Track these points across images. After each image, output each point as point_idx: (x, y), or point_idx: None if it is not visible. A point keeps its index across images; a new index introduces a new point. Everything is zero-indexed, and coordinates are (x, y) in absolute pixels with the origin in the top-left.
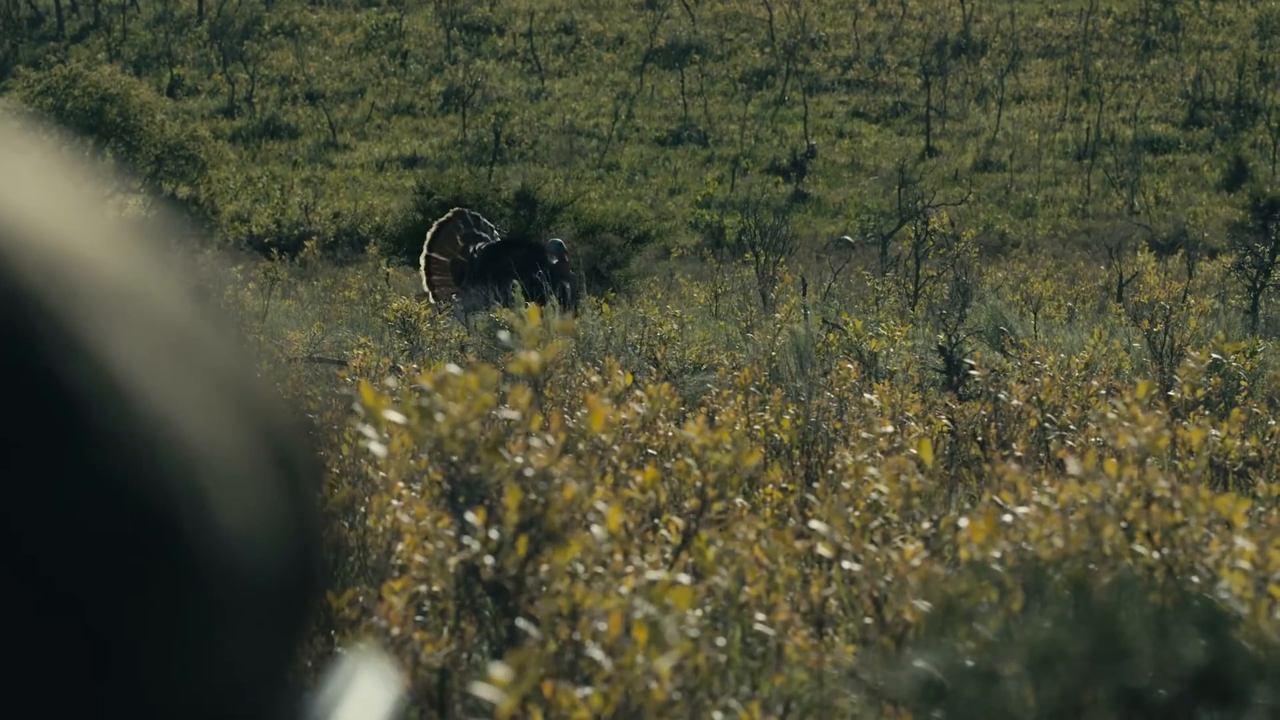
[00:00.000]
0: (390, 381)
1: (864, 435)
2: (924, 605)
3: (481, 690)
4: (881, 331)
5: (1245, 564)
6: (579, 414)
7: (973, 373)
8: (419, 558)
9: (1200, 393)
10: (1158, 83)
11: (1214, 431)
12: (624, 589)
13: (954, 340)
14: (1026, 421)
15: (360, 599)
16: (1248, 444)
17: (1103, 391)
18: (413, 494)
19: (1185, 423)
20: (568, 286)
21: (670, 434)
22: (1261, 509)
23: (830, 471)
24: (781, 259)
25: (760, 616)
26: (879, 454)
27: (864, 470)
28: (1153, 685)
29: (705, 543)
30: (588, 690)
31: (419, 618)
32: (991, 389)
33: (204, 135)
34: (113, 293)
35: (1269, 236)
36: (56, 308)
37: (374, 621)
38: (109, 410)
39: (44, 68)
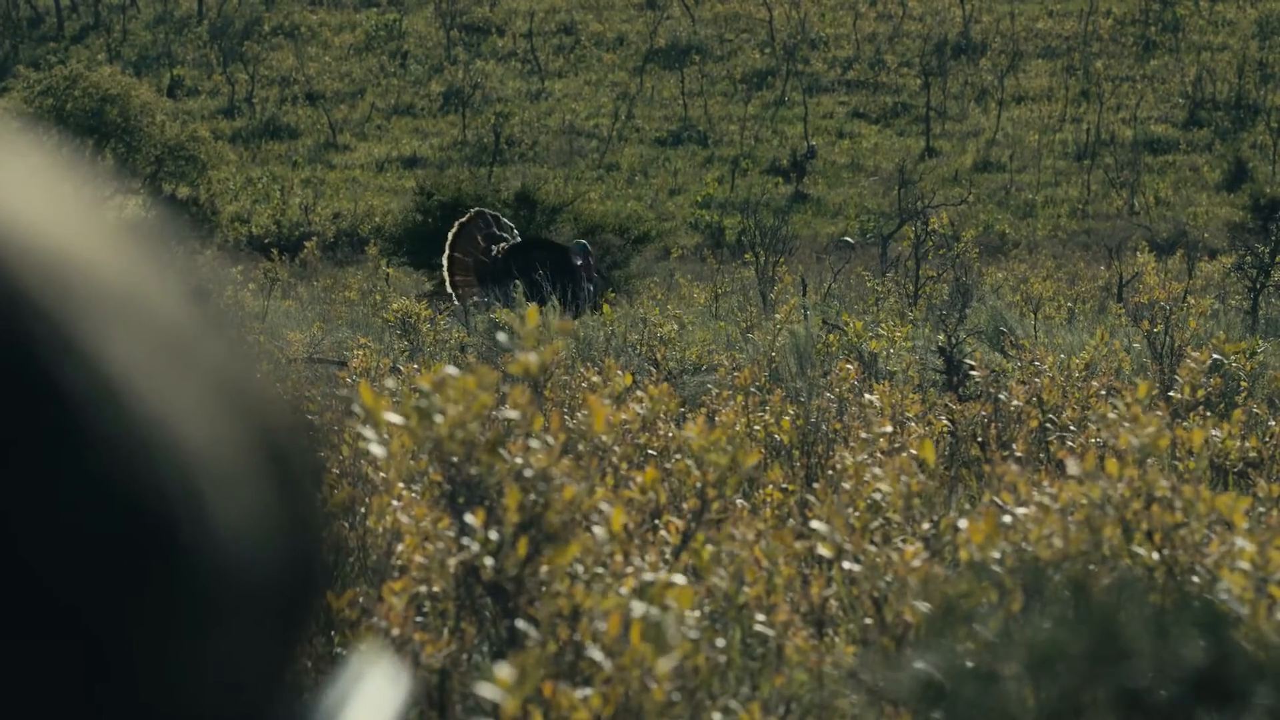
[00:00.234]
0: (390, 382)
1: (864, 436)
2: (924, 606)
3: (484, 691)
4: (881, 332)
5: (1245, 564)
6: (579, 415)
7: (973, 373)
8: (419, 558)
9: (1200, 393)
10: (1158, 83)
11: (1214, 432)
12: (624, 590)
13: (954, 341)
14: (1026, 422)
15: (360, 599)
16: (1248, 444)
17: (1103, 392)
18: (413, 495)
19: (1185, 423)
20: (590, 287)
21: (670, 435)
22: (1261, 509)
23: (830, 472)
24: (781, 259)
25: (760, 617)
26: (879, 454)
27: (864, 471)
28: (1152, 686)
29: (704, 543)
30: (588, 691)
31: (419, 618)
32: (991, 389)
33: (204, 136)
34: (109, 295)
35: (1269, 237)
36: (52, 310)
37: (374, 622)
38: (104, 412)
39: (44, 68)
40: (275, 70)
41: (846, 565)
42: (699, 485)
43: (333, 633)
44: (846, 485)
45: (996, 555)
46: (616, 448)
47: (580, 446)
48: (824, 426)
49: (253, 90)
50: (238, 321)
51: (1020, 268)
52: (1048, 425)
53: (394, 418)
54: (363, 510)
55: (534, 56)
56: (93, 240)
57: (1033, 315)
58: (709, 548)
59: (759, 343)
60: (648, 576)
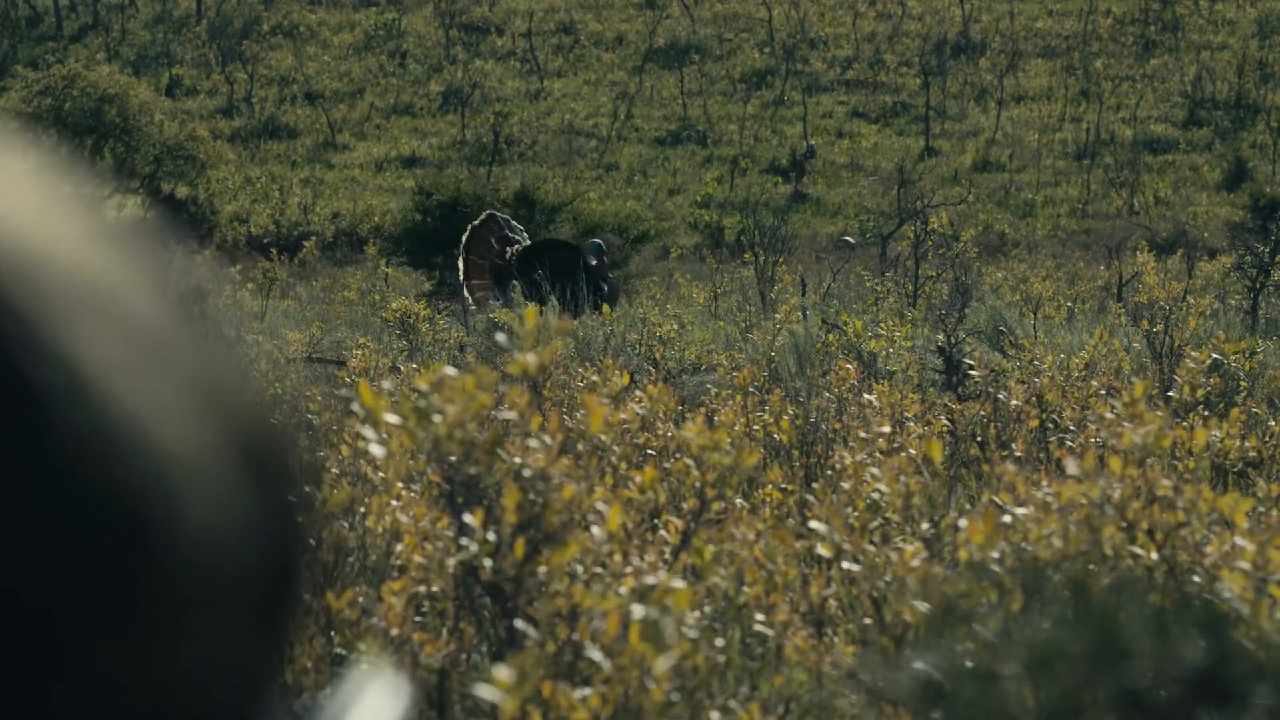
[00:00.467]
0: (388, 383)
1: (863, 435)
2: (923, 606)
3: (484, 691)
4: (881, 332)
5: (1245, 564)
6: (578, 414)
7: (972, 373)
8: (418, 558)
9: (1200, 393)
10: (1157, 83)
11: (1214, 432)
12: (623, 590)
13: (953, 340)
14: (1026, 422)
15: (360, 599)
16: (1248, 444)
17: (1102, 392)
18: (412, 495)
19: (1185, 423)
20: (605, 288)
21: (669, 434)
22: (1261, 509)
23: (829, 472)
24: (781, 259)
25: (759, 617)
26: (878, 454)
27: (864, 470)
28: (1153, 686)
29: (704, 543)
30: (587, 691)
31: (418, 618)
32: (991, 389)
33: (203, 135)
34: (83, 293)
35: (1269, 236)
36: (25, 309)
37: (373, 622)
38: (76, 410)
39: (42, 68)
40: (274, 70)
41: (846, 565)
42: (698, 485)
43: (332, 633)
44: (846, 485)
45: (996, 555)
46: (615, 447)
47: (579, 446)
48: (823, 426)
49: (251, 90)
50: (216, 320)
51: (1020, 267)
52: (1047, 425)
53: (393, 418)
54: (362, 510)
55: (533, 56)
56: (68, 239)
57: (1032, 315)
58: (708, 548)
59: (758, 342)
60: (647, 580)
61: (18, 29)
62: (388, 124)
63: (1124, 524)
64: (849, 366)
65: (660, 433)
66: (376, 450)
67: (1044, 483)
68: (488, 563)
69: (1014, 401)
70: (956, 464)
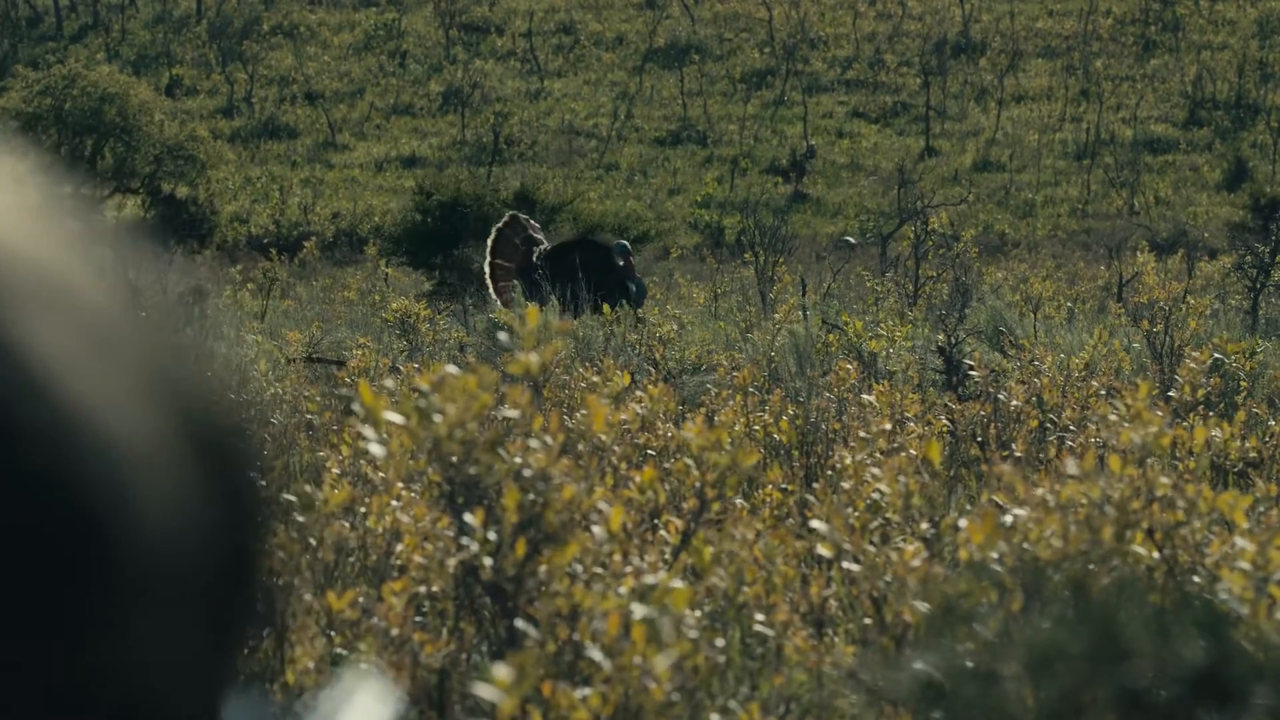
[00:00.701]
0: (389, 382)
1: (863, 435)
2: (923, 606)
3: (483, 691)
4: (881, 332)
5: (1245, 564)
6: (578, 414)
7: (972, 373)
8: (418, 558)
9: (1200, 393)
10: (1158, 83)
11: (1214, 432)
12: (623, 589)
13: (953, 340)
14: (1026, 422)
15: (360, 599)
16: (1248, 444)
17: (1102, 392)
18: (412, 495)
19: (1185, 423)
20: (633, 288)
21: (669, 434)
22: (1261, 509)
23: (829, 472)
24: (781, 259)
25: (760, 617)
26: (878, 454)
27: (864, 470)
28: (1152, 686)
29: (704, 543)
30: (587, 691)
31: (418, 618)
32: (991, 389)
33: (203, 135)
34: (35, 288)
35: (1269, 236)
36: None
37: (374, 622)
38: (28, 403)
39: (43, 68)
40: (274, 70)
41: (846, 565)
42: (698, 485)
43: (333, 633)
44: (846, 485)
45: (996, 555)
46: (616, 447)
47: (580, 446)
48: (823, 426)
49: (251, 90)
50: (170, 315)
51: (1020, 267)
52: (1047, 425)
53: (394, 417)
54: (362, 510)
55: (533, 56)
56: (18, 235)
57: (1032, 315)
58: (708, 548)
59: (758, 342)
60: (648, 579)
61: (18, 29)
62: (388, 124)
63: (1124, 524)
64: (849, 366)
65: (660, 433)
66: (377, 450)
67: (1043, 483)
68: (488, 562)
69: (1014, 402)
70: (957, 464)
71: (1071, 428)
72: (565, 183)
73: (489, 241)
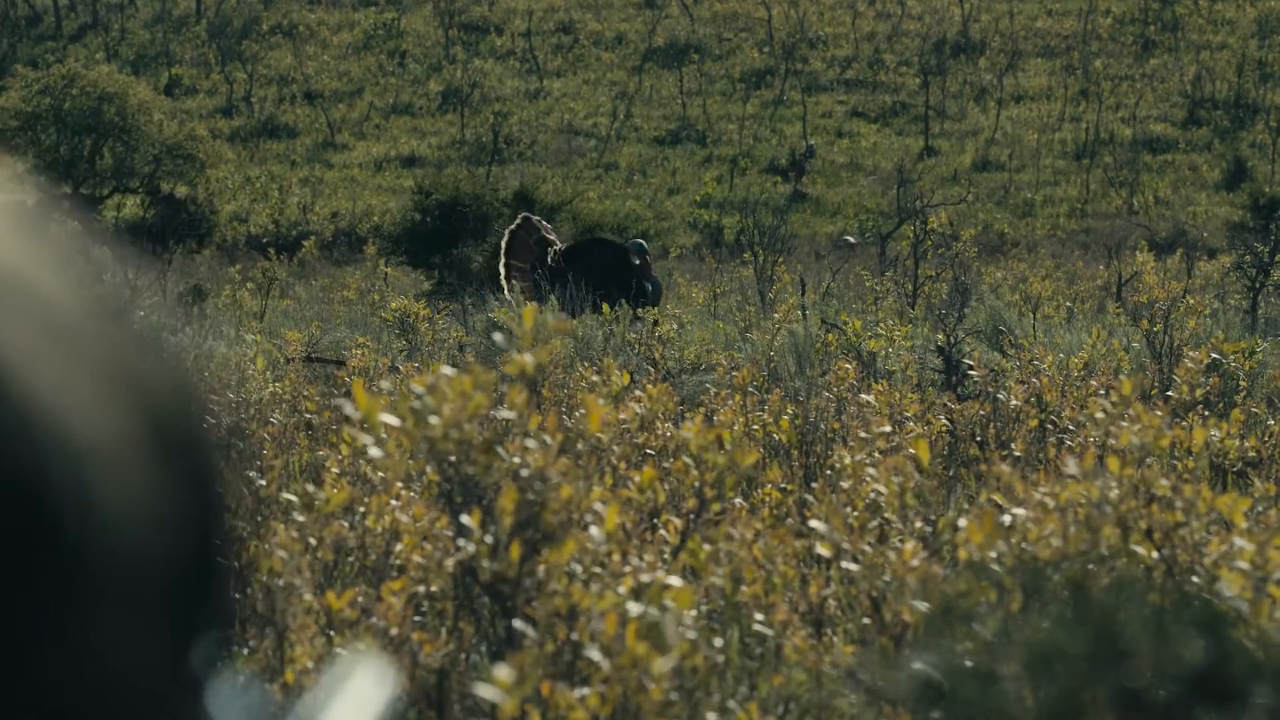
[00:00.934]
0: (386, 383)
1: (862, 435)
2: (922, 605)
3: (483, 691)
4: (880, 331)
5: (1244, 564)
6: (577, 414)
7: (971, 373)
8: (417, 558)
9: (1199, 393)
10: (1157, 82)
11: (1213, 432)
12: (621, 589)
13: (953, 340)
14: (1025, 422)
15: (359, 599)
16: (1247, 444)
17: (1101, 391)
18: (411, 495)
19: (1184, 423)
20: (650, 288)
21: (668, 434)
22: (1260, 509)
23: (829, 471)
24: (780, 259)
25: (759, 616)
26: (877, 454)
27: (863, 470)
28: (1152, 685)
29: (702, 543)
30: (585, 691)
31: (417, 618)
32: (990, 389)
33: (202, 135)
34: None
35: (1268, 236)
36: None
37: (373, 622)
38: None
39: (42, 67)
40: (273, 69)
41: (845, 565)
42: (697, 485)
43: (332, 632)
44: (845, 485)
45: (995, 555)
46: (614, 447)
47: (578, 446)
48: (822, 426)
49: (251, 89)
50: (130, 314)
51: (1019, 267)
52: (1047, 425)
53: (390, 419)
54: (361, 510)
55: (532, 55)
56: None
57: (1031, 315)
58: (707, 547)
59: (757, 342)
60: (645, 578)
61: (17, 28)
62: (387, 123)
63: (1123, 524)
64: (848, 366)
65: (659, 432)
66: (375, 452)
67: (1042, 483)
68: (486, 563)
69: (1013, 401)
70: (956, 464)
71: (1071, 427)
72: (564, 182)
73: (502, 243)
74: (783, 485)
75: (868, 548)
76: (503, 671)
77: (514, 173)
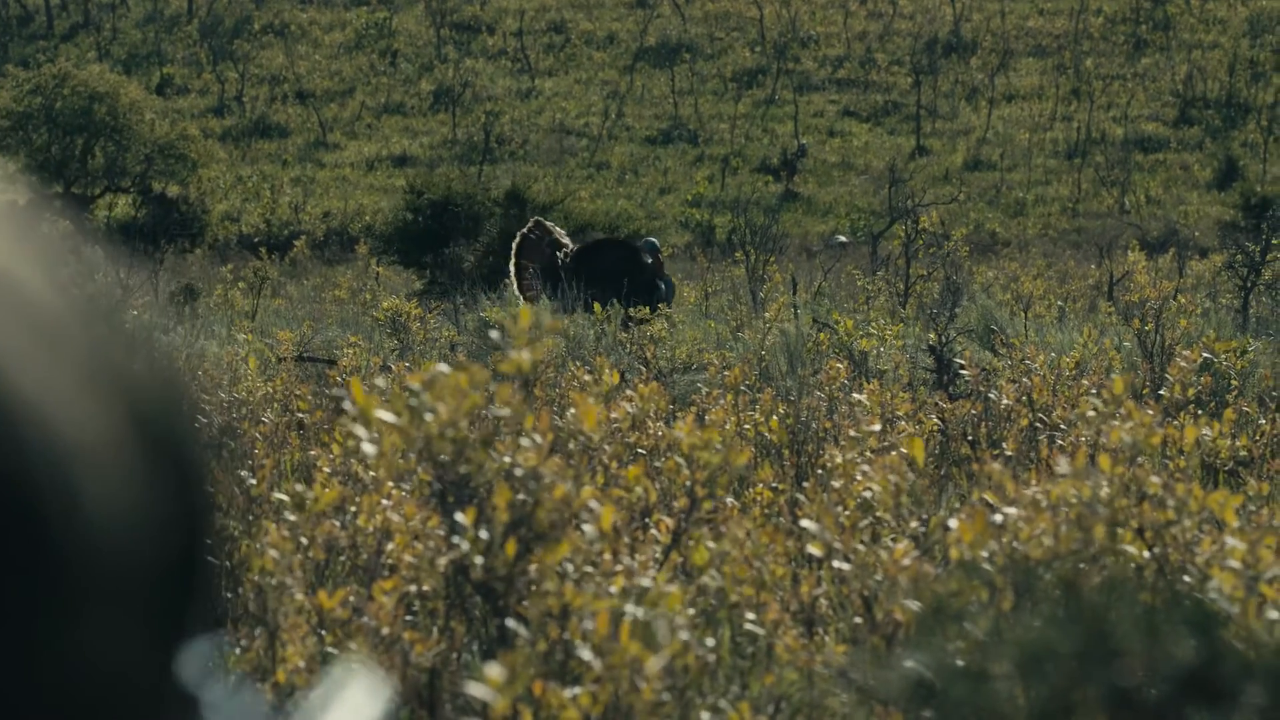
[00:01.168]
0: (379, 381)
1: (852, 434)
2: (914, 605)
3: (475, 690)
4: (872, 331)
5: (1236, 563)
6: (569, 413)
7: (963, 372)
8: (409, 557)
9: (1190, 392)
10: (1148, 81)
11: (1205, 431)
12: (613, 589)
13: (944, 339)
14: (1017, 421)
15: (351, 598)
16: (1238, 443)
17: (1093, 391)
18: (403, 493)
19: (1176, 422)
20: (662, 287)
21: (660, 433)
22: (1252, 508)
23: (820, 471)
24: (771, 258)
25: (750, 616)
26: (869, 453)
27: (854, 469)
28: (1143, 685)
29: (694, 542)
30: (577, 690)
31: (409, 617)
32: (982, 388)
33: (194, 134)
34: None
35: (1260, 235)
36: None
37: (364, 621)
38: None
39: (33, 67)
40: (265, 69)
41: (836, 564)
42: (689, 484)
43: (323, 632)
44: (836, 484)
45: (986, 554)
46: (606, 446)
47: (570, 445)
48: (814, 425)
49: (242, 89)
50: (116, 312)
51: (1011, 266)
52: (1038, 424)
53: (385, 416)
54: (353, 509)
55: (524, 55)
56: None
57: (1023, 314)
58: (699, 547)
59: (749, 341)
60: (641, 581)
61: (9, 28)
62: (379, 123)
63: (1114, 523)
64: (840, 365)
65: (651, 432)
66: (369, 449)
67: (1033, 482)
68: (479, 561)
69: (1005, 400)
70: (947, 463)
71: (1062, 427)
72: (556, 182)
73: (513, 245)
74: (774, 485)
75: (859, 547)
76: (494, 671)
77: (506, 172)
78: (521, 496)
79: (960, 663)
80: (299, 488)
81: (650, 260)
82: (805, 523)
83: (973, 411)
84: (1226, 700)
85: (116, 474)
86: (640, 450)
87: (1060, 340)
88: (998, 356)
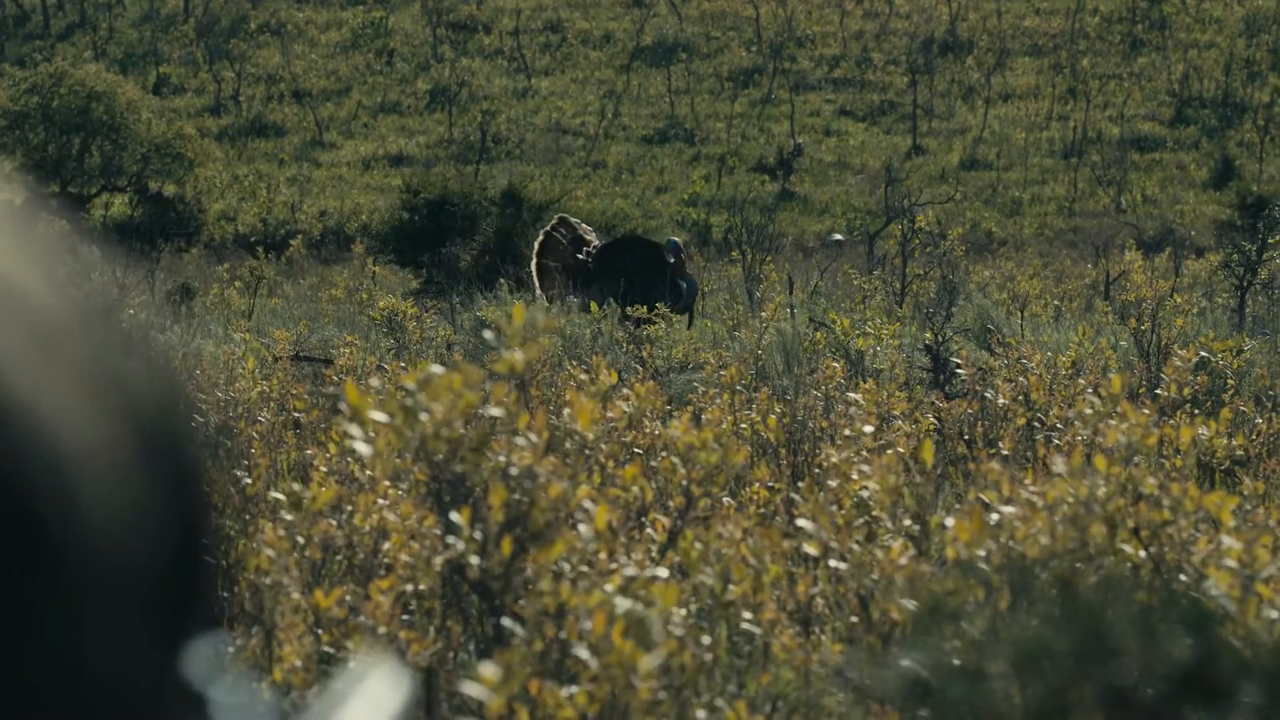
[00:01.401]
0: (375, 381)
1: (846, 433)
2: (910, 604)
3: (471, 689)
4: (868, 330)
5: (1232, 562)
6: (565, 413)
7: (959, 371)
8: (405, 557)
9: (1187, 391)
10: (1145, 81)
11: (1201, 431)
12: (609, 587)
13: (941, 339)
14: (1013, 420)
15: (347, 598)
16: (1234, 443)
17: (1089, 390)
18: (399, 493)
19: (1172, 421)
20: (685, 286)
21: (656, 433)
22: (1248, 507)
23: (816, 470)
24: (768, 257)
25: (747, 615)
26: (864, 452)
27: (850, 468)
28: (1139, 684)
29: (691, 541)
30: (573, 689)
31: (405, 616)
32: (978, 387)
33: (190, 134)
34: None
35: (1256, 235)
36: None
37: (360, 620)
38: None
39: (30, 66)
40: (261, 68)
41: (833, 563)
42: (685, 483)
43: (320, 631)
44: (832, 483)
45: (983, 553)
46: (602, 446)
47: (566, 445)
48: (810, 424)
49: (239, 88)
50: (113, 315)
51: (1007, 265)
52: (1034, 424)
53: (379, 416)
54: (349, 508)
55: (520, 54)
56: None
57: (1019, 313)
58: (695, 546)
59: (745, 341)
60: (630, 572)
61: (5, 27)
62: (375, 122)
63: (1110, 522)
64: (836, 365)
65: (647, 431)
66: (364, 449)
67: (1030, 481)
68: (474, 561)
69: (1001, 400)
70: (943, 462)
71: (1058, 426)
72: (552, 181)
73: (535, 243)
74: (770, 484)
75: (855, 546)
76: (490, 670)
77: (502, 171)
78: (517, 496)
79: (956, 662)
80: (295, 487)
81: (673, 259)
82: (801, 522)
83: (969, 411)
84: (1222, 699)
85: (113, 474)
86: (636, 449)
87: (1056, 339)
88: (994, 356)
